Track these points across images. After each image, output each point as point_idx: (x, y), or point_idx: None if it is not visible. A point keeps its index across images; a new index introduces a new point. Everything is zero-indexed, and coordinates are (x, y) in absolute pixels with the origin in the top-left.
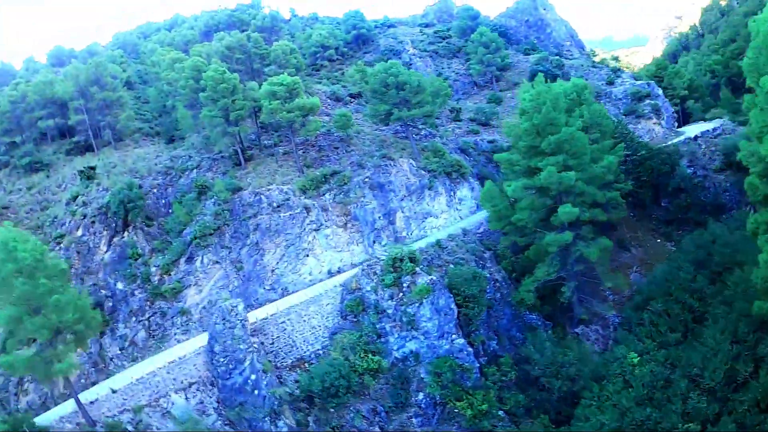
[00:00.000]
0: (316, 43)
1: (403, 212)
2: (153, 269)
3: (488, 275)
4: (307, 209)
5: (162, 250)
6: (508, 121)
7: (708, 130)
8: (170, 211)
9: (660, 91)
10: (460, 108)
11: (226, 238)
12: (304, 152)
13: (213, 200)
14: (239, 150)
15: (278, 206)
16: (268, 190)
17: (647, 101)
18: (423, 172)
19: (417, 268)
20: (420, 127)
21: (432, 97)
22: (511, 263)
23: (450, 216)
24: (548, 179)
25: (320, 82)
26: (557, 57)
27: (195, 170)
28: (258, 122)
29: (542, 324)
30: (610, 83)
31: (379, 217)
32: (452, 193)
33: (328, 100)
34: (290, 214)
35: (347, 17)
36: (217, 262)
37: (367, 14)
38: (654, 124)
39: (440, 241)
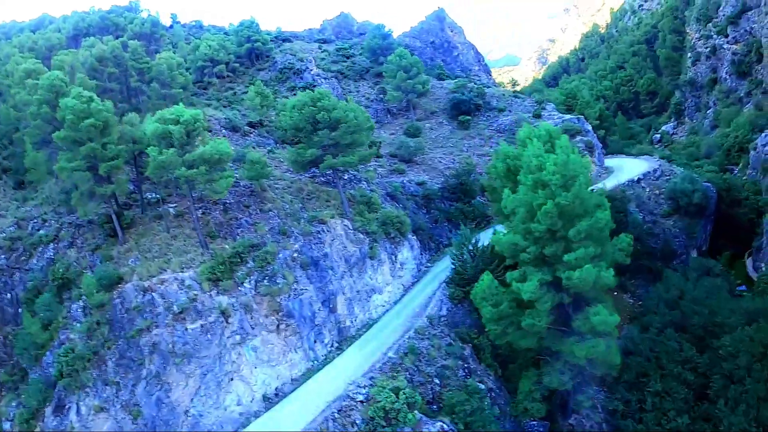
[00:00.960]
0: (204, 56)
1: (344, 293)
2: (5, 424)
3: (482, 386)
4: (225, 313)
5: (15, 388)
6: (511, 195)
7: (649, 172)
8: (20, 316)
9: (589, 126)
10: (380, 142)
11: (109, 367)
12: (204, 213)
13: (82, 304)
14: (114, 215)
15: (181, 312)
16: (162, 282)
17: (579, 137)
18: (361, 235)
19: (418, 413)
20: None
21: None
22: (501, 362)
23: (394, 287)
24: (583, 278)
25: (209, 104)
26: (479, 85)
27: (52, 244)
28: (138, 169)
29: (544, 429)
30: (537, 116)
31: (319, 308)
32: (393, 257)
33: (223, 130)
34: (201, 326)
35: (240, 27)
36: (103, 409)
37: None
38: (590, 162)
39: (415, 347)
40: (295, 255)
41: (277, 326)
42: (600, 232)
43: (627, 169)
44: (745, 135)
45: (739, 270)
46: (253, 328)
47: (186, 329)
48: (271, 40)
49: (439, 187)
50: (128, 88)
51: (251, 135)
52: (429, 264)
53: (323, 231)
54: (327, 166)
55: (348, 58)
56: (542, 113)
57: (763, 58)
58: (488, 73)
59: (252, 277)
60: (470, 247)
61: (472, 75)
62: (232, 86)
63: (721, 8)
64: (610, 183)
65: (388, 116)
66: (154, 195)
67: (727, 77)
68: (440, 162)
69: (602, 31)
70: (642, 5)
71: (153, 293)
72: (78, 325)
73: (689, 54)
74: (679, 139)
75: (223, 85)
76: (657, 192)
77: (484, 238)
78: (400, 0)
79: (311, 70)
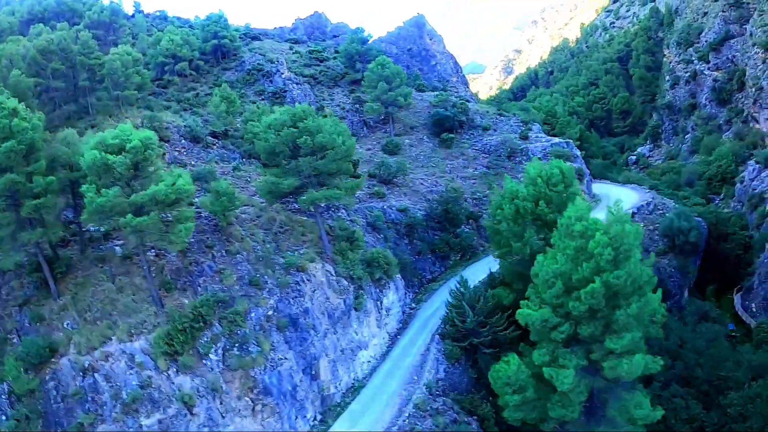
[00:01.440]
0: (166, 51)
1: (327, 355)
2: None
3: None
4: (188, 403)
5: None
6: (546, 264)
7: (643, 205)
8: None
9: (578, 151)
10: (357, 160)
11: None
12: (158, 255)
13: (7, 388)
14: (45, 263)
15: (132, 402)
16: (107, 357)
17: (568, 163)
18: (345, 282)
19: None
20: None
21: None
22: None
23: (380, 338)
24: (632, 370)
25: (168, 107)
26: (462, 100)
27: None
28: (78, 198)
29: None
30: (524, 137)
31: (300, 379)
32: (379, 304)
33: (182, 140)
34: (159, 421)
35: (206, 21)
36: None
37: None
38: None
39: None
40: (271, 313)
41: (253, 408)
42: (649, 314)
43: (615, 196)
44: (728, 165)
45: (726, 305)
46: (223, 417)
47: (140, 425)
48: (239, 37)
49: (422, 214)
50: (75, 88)
51: (214, 147)
52: (414, 305)
53: (302, 281)
54: (309, 200)
55: (321, 62)
56: (529, 134)
57: (744, 87)
58: (466, 84)
59: (219, 346)
60: (468, 295)
61: (449, 86)
62: (194, 86)
63: (703, 34)
64: (602, 215)
65: (365, 129)
66: (97, 228)
67: (707, 103)
68: (422, 184)
69: (572, 46)
70: (613, 23)
71: (95, 374)
72: (4, 419)
73: (667, 77)
74: (655, 163)
75: (185, 85)
76: (651, 227)
77: (475, 274)
78: (376, 4)
79: (282, 73)
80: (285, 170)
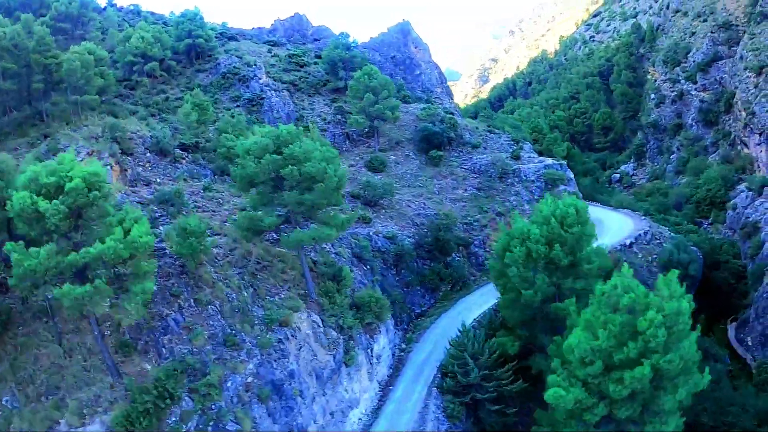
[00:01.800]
0: (135, 49)
1: (316, 422)
2: None
3: None
4: None
5: None
6: (583, 340)
7: (640, 235)
8: None
9: (571, 174)
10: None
11: None
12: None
13: None
14: None
15: None
16: None
17: (562, 186)
18: (333, 333)
19: None
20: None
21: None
22: None
23: (371, 392)
24: None
25: (136, 112)
26: (448, 113)
27: None
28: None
29: None
30: (516, 157)
31: None
32: (370, 352)
33: (147, 153)
34: None
35: (180, 18)
36: None
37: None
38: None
39: None
40: (250, 381)
41: None
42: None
43: (611, 225)
44: (717, 189)
45: (718, 334)
46: None
47: None
48: (215, 37)
49: (411, 242)
50: (29, 89)
51: (183, 161)
52: (404, 346)
53: (286, 337)
54: (294, 242)
55: (301, 67)
56: (521, 154)
57: (732, 109)
58: (450, 96)
59: (190, 425)
60: (471, 345)
61: (433, 97)
62: (165, 89)
63: (691, 54)
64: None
65: (347, 142)
66: None
67: (694, 124)
68: (409, 206)
69: (551, 57)
70: (593, 37)
71: None
72: None
73: (652, 95)
74: (639, 182)
75: (155, 87)
76: (650, 258)
77: (469, 309)
78: (359, 9)
79: (260, 78)
80: (265, 201)
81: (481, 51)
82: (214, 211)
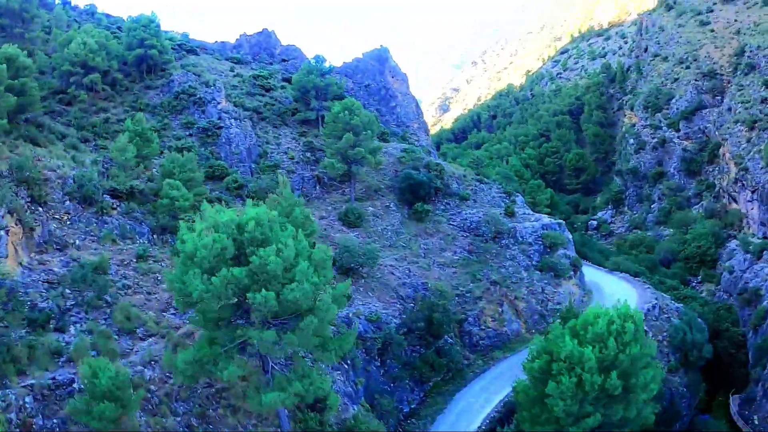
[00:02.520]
0: (75, 57)
1: None
2: None
3: None
4: None
5: None
6: None
7: (649, 310)
8: None
9: (569, 234)
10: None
11: None
12: None
13: None
14: None
15: None
16: None
17: (561, 250)
18: None
19: None
20: None
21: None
22: None
23: None
24: None
25: (65, 137)
26: (436, 162)
27: None
28: None
29: None
30: (510, 214)
31: None
32: None
33: (66, 201)
34: None
35: (134, 24)
36: None
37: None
38: (573, 285)
39: None
40: None
41: None
42: None
43: (613, 294)
44: (708, 247)
45: (718, 410)
46: None
47: None
48: (172, 48)
49: (397, 323)
50: None
51: (114, 213)
52: None
53: None
54: (272, 404)
55: (267, 91)
56: (515, 209)
57: (715, 160)
58: (426, 132)
59: None
60: None
61: (409, 133)
62: (107, 107)
63: (674, 100)
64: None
65: (318, 187)
66: None
67: (676, 173)
68: (393, 274)
69: (516, 90)
70: (561, 74)
71: None
72: None
73: (631, 140)
74: (618, 230)
75: (95, 104)
76: (660, 337)
77: (468, 409)
78: (331, 34)
79: (218, 102)
80: (221, 339)
81: (442, 80)
82: (149, 294)
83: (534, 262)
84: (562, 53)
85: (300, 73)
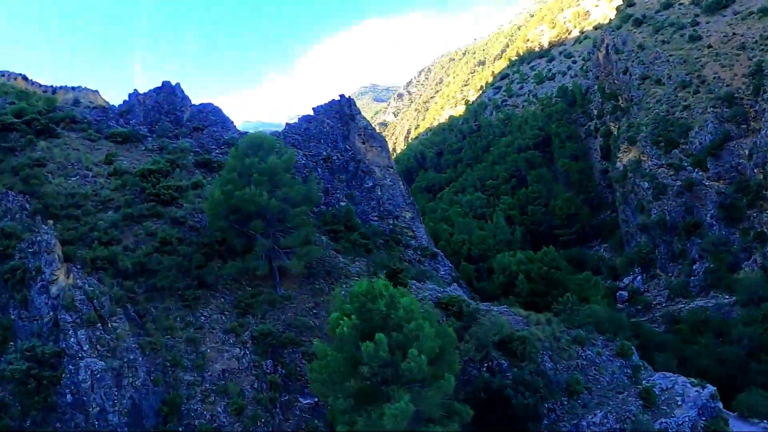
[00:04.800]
0: None
1: None
2: None
3: None
4: None
5: None
6: None
7: None
8: None
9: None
10: None
11: None
12: None
13: None
14: None
15: None
16: None
17: None
18: None
19: None
20: None
21: None
22: None
23: None
24: None
25: None
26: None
27: None
28: None
29: None
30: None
31: None
32: None
33: None
34: None
35: None
36: None
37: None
38: None
39: None
40: None
41: None
42: None
43: None
44: None
45: None
46: None
47: None
48: (24, 123)
49: None
50: None
51: None
52: None
53: None
54: None
55: (169, 203)
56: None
57: (755, 203)
58: (419, 218)
59: None
60: None
61: (400, 227)
62: None
63: (693, 133)
64: None
65: None
66: None
67: (714, 223)
68: None
69: (458, 117)
70: (506, 101)
71: None
72: None
73: (646, 184)
74: (656, 299)
75: None
76: None
77: None
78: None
79: (54, 276)
80: None
81: (366, 113)
82: None
83: None
84: (502, 78)
85: (234, 158)
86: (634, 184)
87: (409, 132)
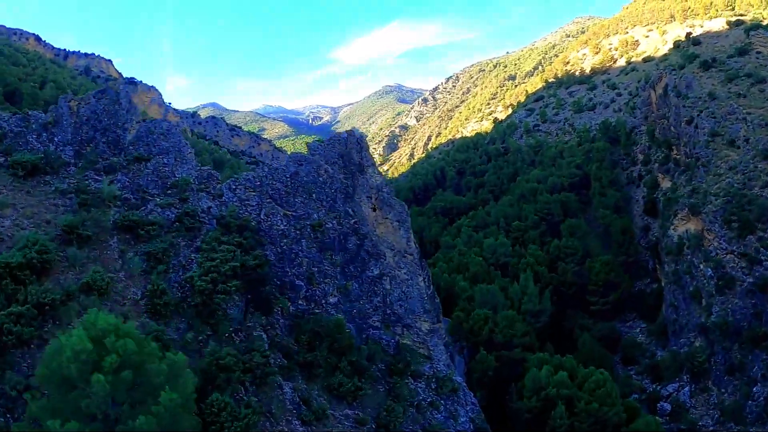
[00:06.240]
0: None
1: None
2: None
3: None
4: None
5: None
6: None
7: None
8: None
9: None
10: None
11: None
12: None
13: None
14: None
15: None
16: None
17: None
18: None
19: None
20: None
21: None
22: None
23: None
24: None
25: None
26: None
27: None
28: None
29: None
30: None
31: None
32: None
33: None
34: None
35: None
36: None
37: None
38: None
39: None
40: None
41: None
42: None
43: None
44: None
45: None
46: None
47: None
48: None
49: None
50: None
51: None
52: None
53: None
54: None
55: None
56: None
57: None
58: (442, 331)
59: None
60: None
61: (412, 341)
62: None
63: None
64: None
65: None
66: None
67: None
68: None
69: (486, 134)
70: (538, 126)
71: None
72: None
73: (708, 270)
74: (702, 418)
75: None
76: None
77: None
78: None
79: None
80: None
81: (388, 112)
82: None
83: None
84: (536, 100)
85: None
86: (691, 265)
87: (429, 139)
